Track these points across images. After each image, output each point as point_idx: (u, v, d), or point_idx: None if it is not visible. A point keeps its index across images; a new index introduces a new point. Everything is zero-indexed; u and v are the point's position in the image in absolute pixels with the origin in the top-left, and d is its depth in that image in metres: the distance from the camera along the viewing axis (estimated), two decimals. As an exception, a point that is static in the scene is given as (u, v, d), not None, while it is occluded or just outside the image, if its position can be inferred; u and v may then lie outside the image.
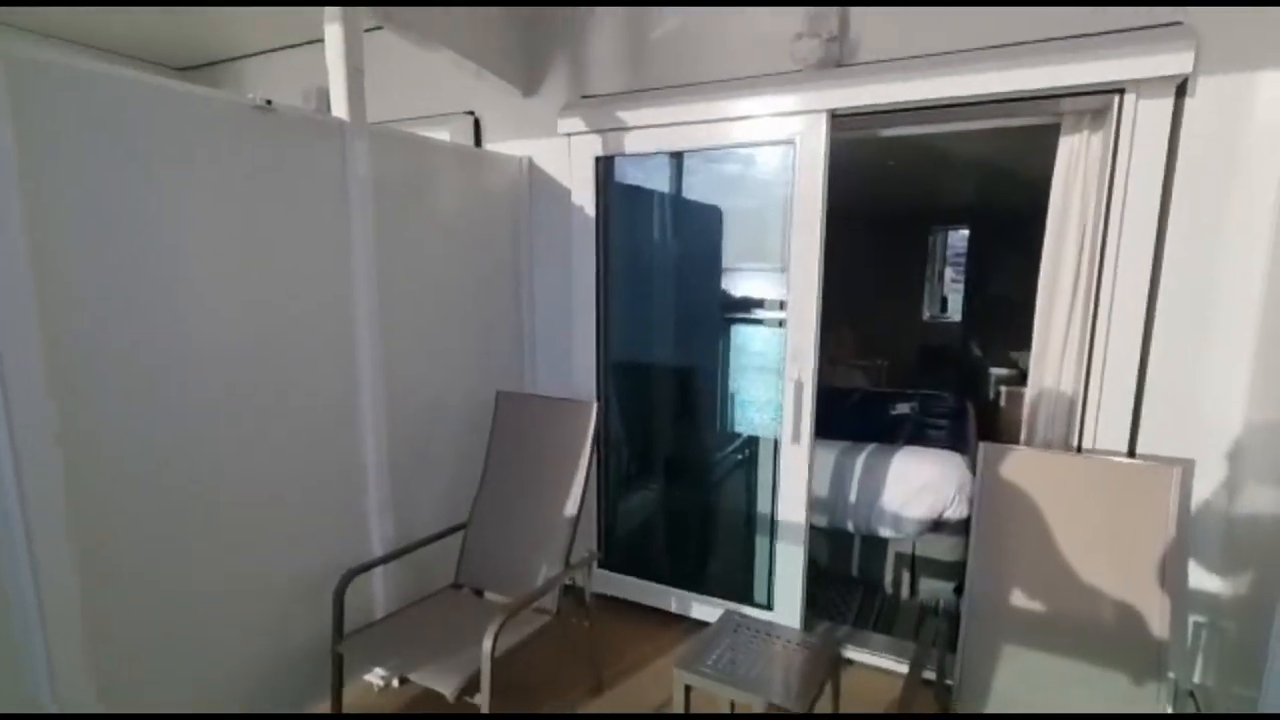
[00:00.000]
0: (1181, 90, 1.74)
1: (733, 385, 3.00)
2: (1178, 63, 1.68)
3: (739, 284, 2.87)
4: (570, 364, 2.75)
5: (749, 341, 2.94)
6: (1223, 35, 1.69)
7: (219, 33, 3.20)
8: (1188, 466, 1.77)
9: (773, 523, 2.44)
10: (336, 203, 1.96)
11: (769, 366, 2.57)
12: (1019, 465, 1.89)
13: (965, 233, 6.89)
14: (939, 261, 7.17)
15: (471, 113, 2.81)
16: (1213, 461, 1.82)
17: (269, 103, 1.76)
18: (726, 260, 2.83)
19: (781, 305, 2.31)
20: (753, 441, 2.81)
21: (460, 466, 2.49)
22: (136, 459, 1.54)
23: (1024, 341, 2.34)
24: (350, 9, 1.95)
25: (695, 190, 2.79)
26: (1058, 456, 1.90)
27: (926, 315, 7.18)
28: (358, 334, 2.05)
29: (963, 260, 6.99)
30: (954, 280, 7.16)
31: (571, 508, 2.21)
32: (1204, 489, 1.83)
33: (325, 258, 1.95)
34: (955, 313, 7.08)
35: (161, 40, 3.30)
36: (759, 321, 2.86)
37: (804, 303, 2.24)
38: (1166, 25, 1.74)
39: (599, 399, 2.70)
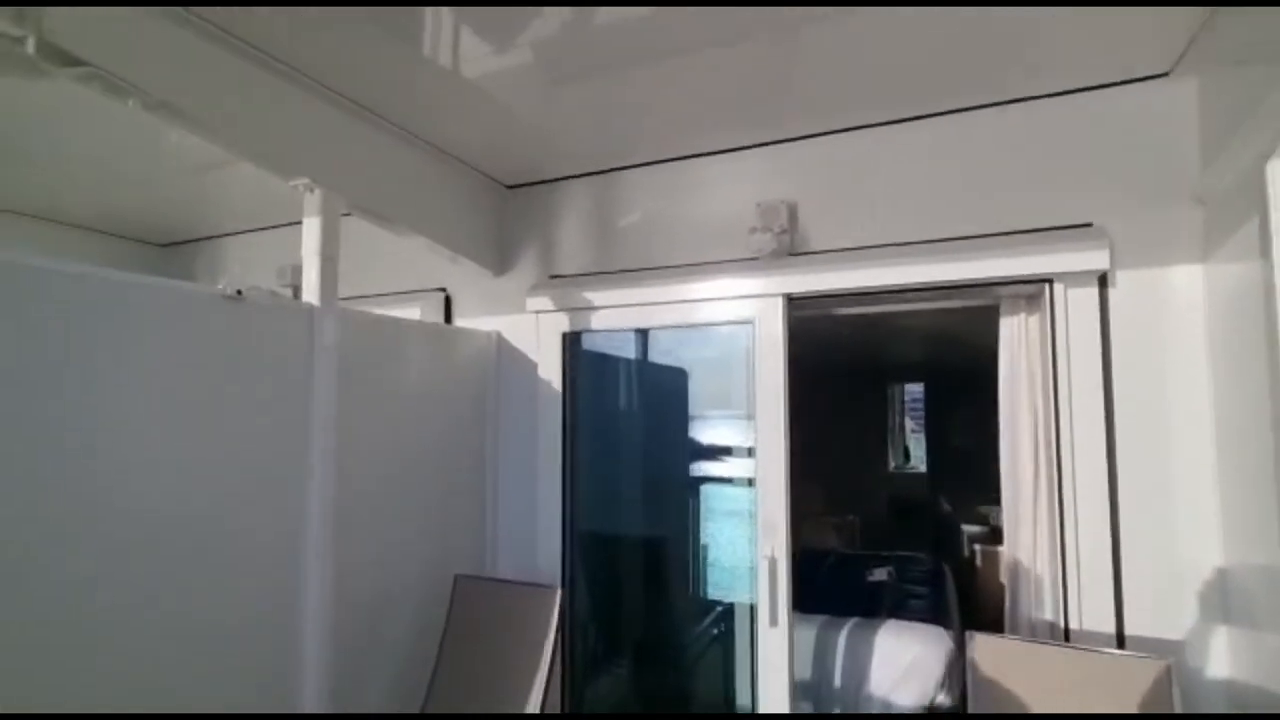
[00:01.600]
0: (1104, 281, 1.90)
1: (704, 548, 2.89)
2: (1096, 259, 1.85)
3: (706, 432, 2.88)
4: (534, 541, 2.63)
5: (719, 502, 2.89)
6: (1132, 236, 1.87)
7: (201, 214, 3.35)
8: (1177, 661, 1.70)
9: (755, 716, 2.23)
10: (299, 379, 1.94)
11: (740, 528, 2.49)
12: (1009, 658, 1.80)
13: (921, 385, 7.16)
14: (898, 413, 7.36)
15: (443, 289, 2.90)
16: (1200, 626, 1.76)
17: (240, 292, 1.79)
18: (694, 408, 2.86)
19: (750, 452, 2.29)
20: (728, 614, 2.66)
21: (412, 656, 2.27)
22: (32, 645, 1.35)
23: (991, 496, 2.34)
24: (329, 204, 2.05)
25: (661, 353, 2.86)
26: (1047, 651, 1.82)
27: (892, 465, 7.23)
28: (308, 508, 1.92)
29: (921, 406, 7.19)
30: (914, 430, 7.32)
31: (534, 701, 2.00)
32: (1197, 655, 1.76)
33: (281, 435, 1.88)
34: (919, 462, 7.15)
35: (145, 219, 3.42)
36: (728, 480, 2.83)
37: (772, 475, 2.22)
38: (1080, 226, 1.93)
39: (564, 581, 2.55)
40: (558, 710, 2.53)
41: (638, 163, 2.57)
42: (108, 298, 1.50)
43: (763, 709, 2.20)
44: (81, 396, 1.45)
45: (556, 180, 2.75)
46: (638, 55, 1.82)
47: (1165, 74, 1.85)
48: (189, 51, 1.65)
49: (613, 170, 2.63)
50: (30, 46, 1.32)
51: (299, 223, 2.05)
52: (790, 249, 2.27)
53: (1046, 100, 1.99)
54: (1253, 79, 1.51)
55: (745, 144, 2.38)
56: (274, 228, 3.36)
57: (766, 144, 2.36)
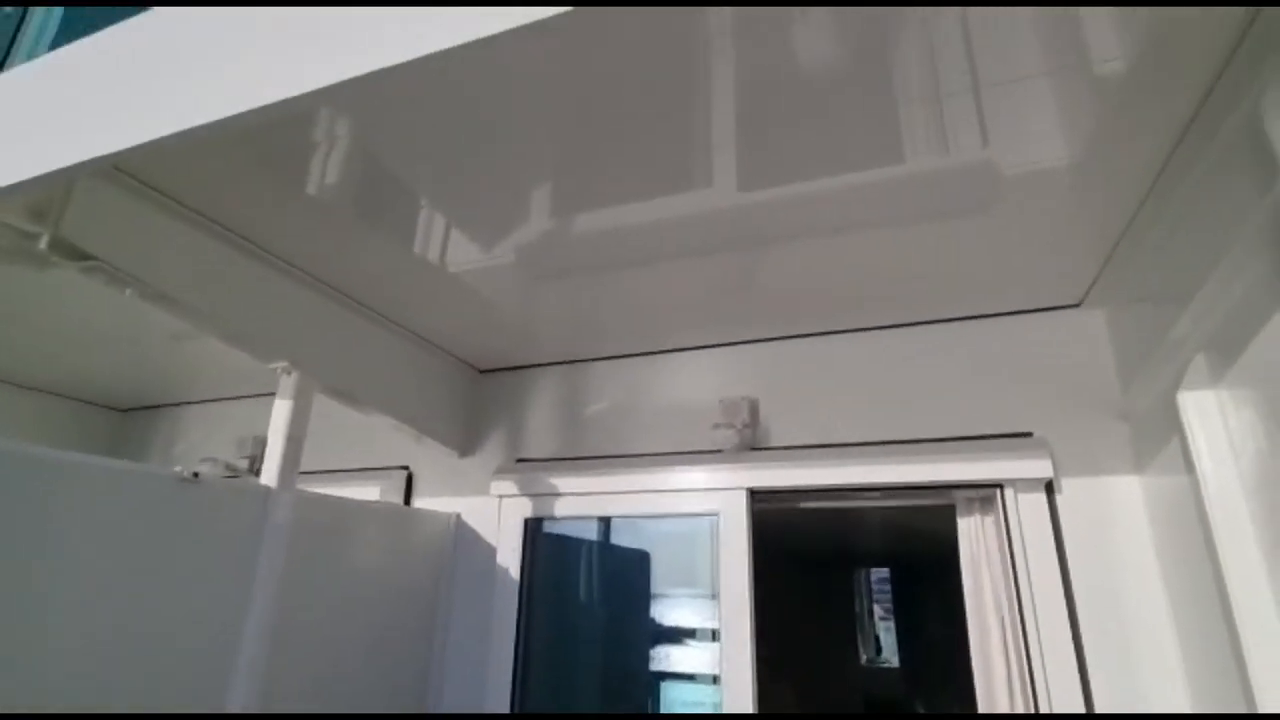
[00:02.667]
0: (1050, 488, 1.99)
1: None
2: (1040, 468, 1.96)
3: (669, 612, 2.75)
4: (477, 752, 2.37)
5: (681, 694, 2.69)
6: (1071, 446, 2.00)
7: (166, 381, 3.34)
8: None
9: None
10: (246, 558, 1.84)
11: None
12: None
13: (887, 570, 7.02)
14: (866, 598, 7.13)
15: (406, 468, 2.87)
16: None
17: (196, 475, 1.75)
18: (657, 586, 2.74)
19: (714, 635, 2.18)
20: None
21: None
22: None
23: (967, 693, 2.22)
24: (304, 385, 2.08)
25: (623, 529, 2.81)
26: None
27: (864, 659, 6.85)
28: (234, 689, 1.72)
29: (889, 590, 6.99)
30: (883, 617, 7.04)
31: None
32: None
33: (218, 612, 1.74)
34: (892, 654, 6.80)
35: (109, 383, 3.39)
36: (690, 678, 2.65)
37: (737, 681, 2.10)
38: (1023, 435, 2.06)
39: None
40: None
41: (608, 355, 2.71)
42: (57, 479, 1.45)
43: None
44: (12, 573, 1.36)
45: (528, 367, 2.86)
46: (613, 260, 2.01)
47: (1076, 305, 2.10)
48: (186, 244, 1.76)
49: (583, 361, 2.76)
50: (44, 243, 1.40)
51: (263, 395, 2.07)
52: (752, 443, 2.35)
53: (978, 320, 2.22)
54: (1153, 314, 1.73)
55: (710, 343, 2.56)
56: (238, 398, 3.35)
57: (730, 344, 2.53)
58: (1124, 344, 1.96)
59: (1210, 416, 1.49)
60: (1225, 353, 1.43)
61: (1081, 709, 1.82)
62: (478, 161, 1.56)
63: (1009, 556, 2.00)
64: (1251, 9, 1.07)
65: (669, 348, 2.62)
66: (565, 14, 0.83)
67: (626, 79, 1.32)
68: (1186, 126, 1.33)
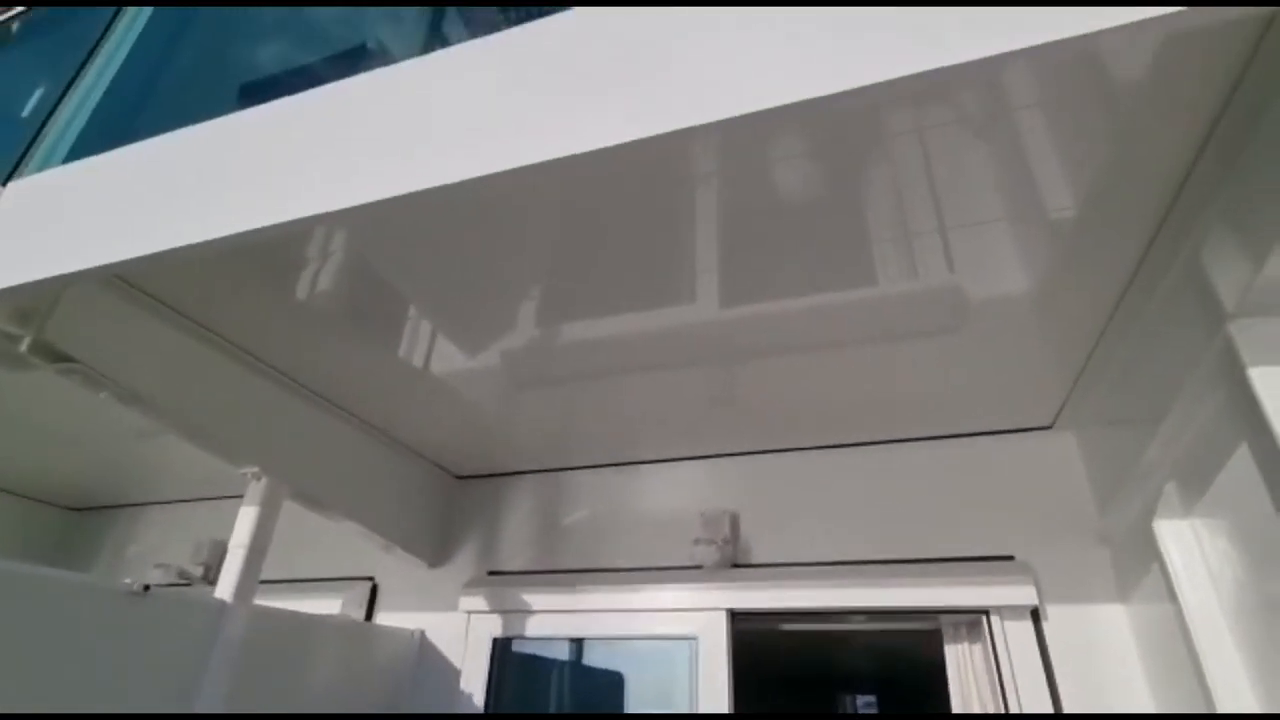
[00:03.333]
0: (1036, 615, 1.95)
1: None
2: (1024, 595, 1.92)
3: None
4: None
5: None
6: (1053, 571, 1.98)
7: (122, 480, 3.21)
8: None
9: None
10: (192, 675, 1.70)
11: None
12: None
13: (873, 698, 6.66)
14: (852, 726, 6.71)
15: (371, 579, 2.73)
16: None
17: (146, 588, 1.65)
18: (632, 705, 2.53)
19: None
20: None
21: None
22: None
23: None
24: (272, 492, 2.02)
25: (598, 654, 2.64)
26: None
27: (852, 798, 6.35)
28: None
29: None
30: (871, 749, 6.59)
31: None
32: None
33: None
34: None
35: (61, 480, 3.25)
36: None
37: (719, 832, 1.92)
38: (1004, 559, 2.04)
39: None
40: None
41: (588, 464, 2.68)
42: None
43: None
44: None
45: (506, 475, 2.81)
46: (598, 369, 2.03)
47: (1049, 427, 2.15)
48: (168, 347, 1.75)
49: (563, 469, 2.72)
50: (24, 345, 1.39)
51: (223, 498, 1.99)
52: (733, 559, 2.29)
53: (956, 439, 2.25)
54: (1123, 438, 1.77)
55: (692, 454, 2.55)
56: (196, 500, 3.22)
57: (712, 456, 2.53)
58: (1097, 467, 1.99)
59: (1187, 545, 1.50)
60: (1195, 482, 1.46)
61: None
62: (468, 273, 1.61)
63: (998, 684, 1.92)
64: (1188, 165, 1.19)
65: (650, 458, 2.60)
66: (562, 160, 0.89)
67: (616, 207, 1.40)
68: (1137, 268, 1.43)
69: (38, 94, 1.86)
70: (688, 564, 2.32)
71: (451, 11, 1.34)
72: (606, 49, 0.98)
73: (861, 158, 1.25)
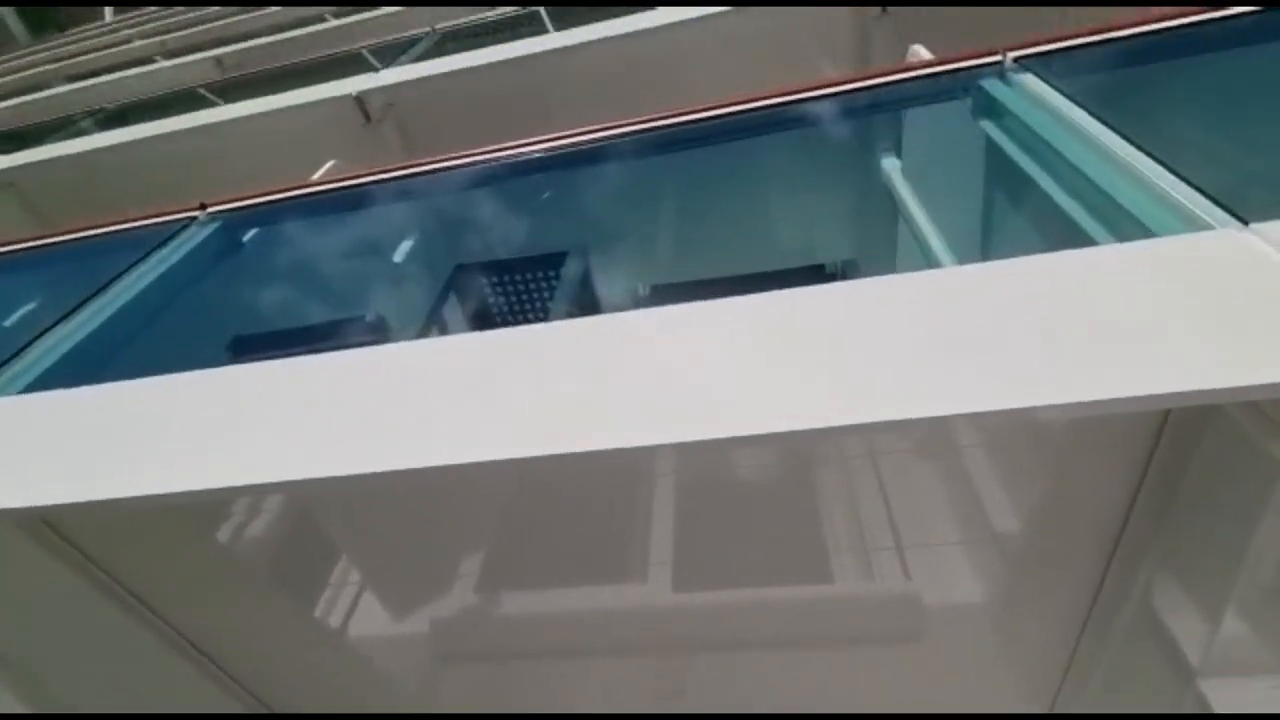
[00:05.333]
0: None
1: None
2: None
3: None
4: None
5: None
6: None
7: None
8: None
9: None
10: None
11: None
12: None
13: None
14: None
15: None
16: None
17: None
18: None
19: None
20: None
21: None
22: None
23: None
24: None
25: None
26: None
27: None
28: None
29: None
30: None
31: None
32: None
33: None
34: None
35: None
36: None
37: None
38: None
39: None
40: None
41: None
42: None
43: None
44: None
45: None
46: (535, 649, 1.84)
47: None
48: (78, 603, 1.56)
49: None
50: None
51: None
52: None
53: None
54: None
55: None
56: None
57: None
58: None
59: None
60: None
61: None
62: (408, 539, 1.54)
63: None
64: (1125, 509, 1.24)
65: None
66: (514, 461, 0.90)
67: (570, 486, 1.39)
68: (1093, 600, 1.42)
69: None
70: None
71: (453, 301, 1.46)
72: (580, 359, 1.04)
73: (817, 473, 1.29)
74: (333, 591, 1.69)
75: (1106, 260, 0.99)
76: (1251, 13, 1.52)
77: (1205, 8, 1.57)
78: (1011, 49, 1.67)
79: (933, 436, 1.15)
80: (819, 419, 0.83)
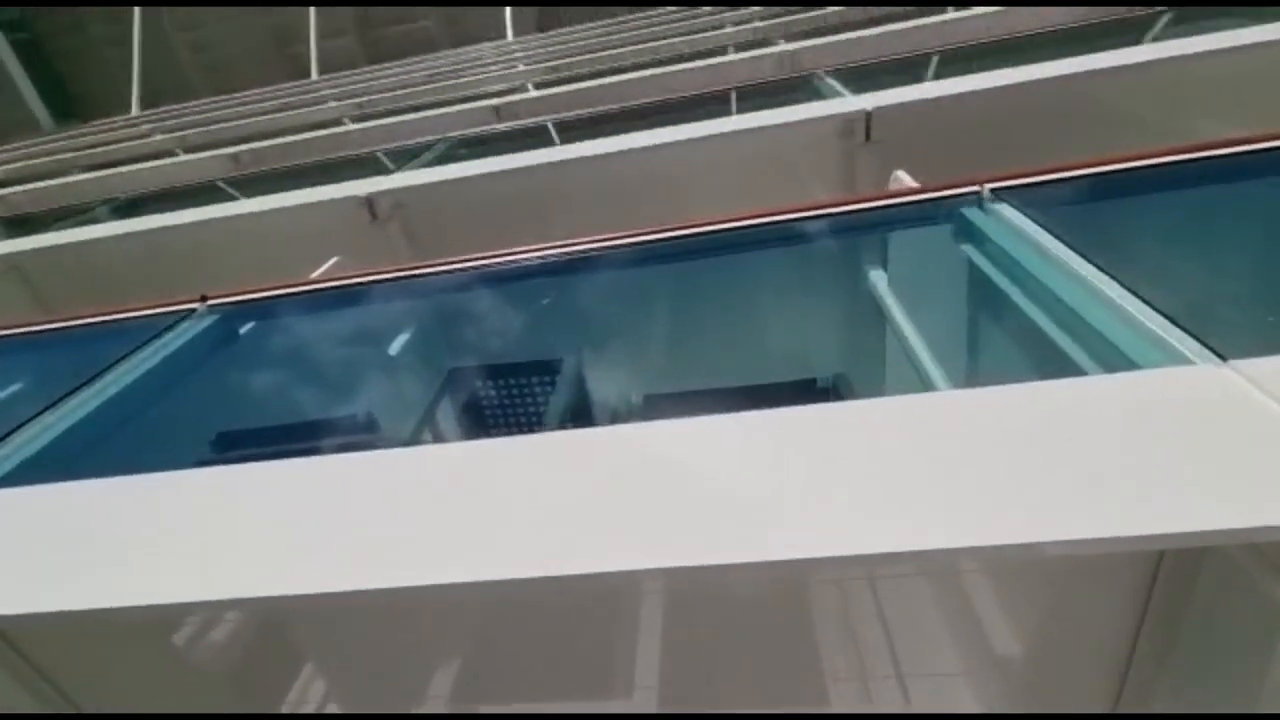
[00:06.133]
0: None
1: None
2: None
3: None
4: None
5: None
6: None
7: None
8: None
9: None
10: None
11: None
12: None
13: None
14: None
15: None
16: None
17: None
18: None
19: None
20: None
21: None
22: None
23: None
24: None
25: None
26: None
27: None
28: None
29: None
30: None
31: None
32: None
33: None
34: None
35: None
36: None
37: None
38: None
39: None
40: None
41: None
42: None
43: None
44: None
45: None
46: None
47: None
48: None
49: None
50: None
51: None
52: None
53: None
54: None
55: None
56: None
57: None
58: None
59: None
60: None
61: None
62: (375, 654, 1.45)
63: None
64: (1129, 649, 1.20)
65: None
66: (498, 583, 0.86)
67: (552, 612, 1.34)
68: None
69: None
70: None
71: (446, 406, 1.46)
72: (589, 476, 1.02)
73: (813, 594, 1.25)
74: (292, 708, 1.57)
75: (1094, 392, 1.01)
76: (1216, 157, 1.64)
77: (1171, 148, 1.69)
78: (989, 180, 1.77)
79: (932, 563, 1.13)
80: (822, 548, 0.81)
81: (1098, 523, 0.77)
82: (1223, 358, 1.00)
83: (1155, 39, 3.41)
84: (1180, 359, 1.04)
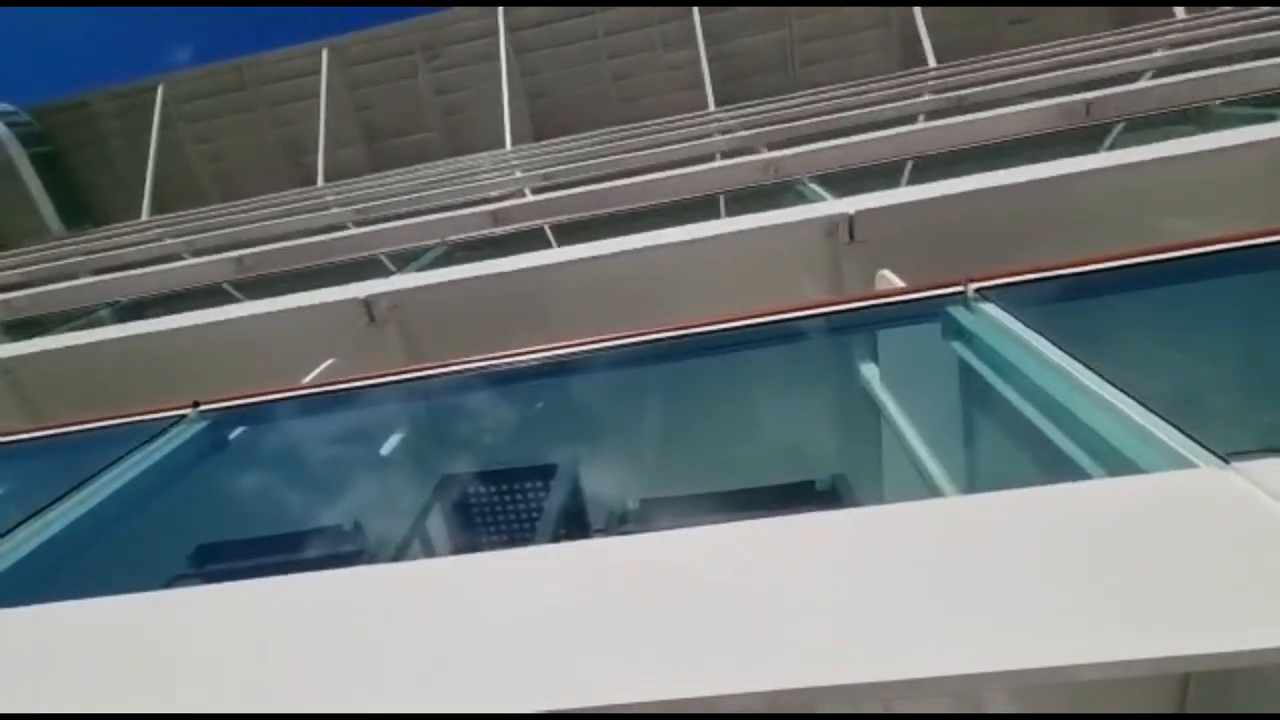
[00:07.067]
0: None
1: None
2: None
3: None
4: None
5: None
6: None
7: None
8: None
9: None
10: None
11: None
12: None
13: None
14: None
15: None
16: None
17: None
18: None
19: None
20: None
21: None
22: None
23: None
24: None
25: None
26: None
27: None
28: None
29: None
30: None
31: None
32: None
33: None
34: None
35: None
36: None
37: None
38: None
39: None
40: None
41: None
42: None
43: None
44: None
45: None
46: None
47: None
48: None
49: None
50: None
51: None
52: None
53: None
54: None
55: None
56: None
57: None
58: None
59: None
60: None
61: None
62: None
63: None
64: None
65: None
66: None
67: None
68: None
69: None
70: None
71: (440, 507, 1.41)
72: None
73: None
74: None
75: (1100, 497, 0.99)
76: (1193, 256, 1.69)
77: (1147, 248, 1.74)
78: (974, 280, 1.81)
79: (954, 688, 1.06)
80: (845, 674, 0.76)
81: (1129, 644, 0.73)
82: (1225, 460, 0.99)
83: (1111, 147, 3.63)
84: (1181, 461, 1.03)
